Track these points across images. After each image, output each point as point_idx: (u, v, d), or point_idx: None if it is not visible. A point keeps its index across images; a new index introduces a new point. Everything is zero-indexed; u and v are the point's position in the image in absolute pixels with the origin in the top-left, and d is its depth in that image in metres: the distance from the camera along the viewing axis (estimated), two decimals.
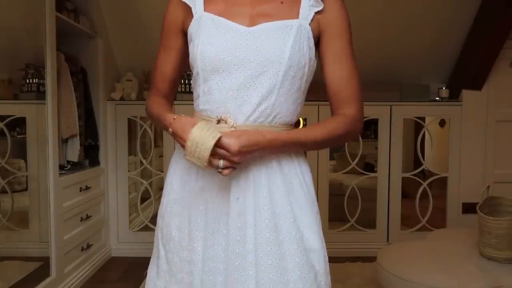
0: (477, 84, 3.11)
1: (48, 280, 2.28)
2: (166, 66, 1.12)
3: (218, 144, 0.89)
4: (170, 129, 0.97)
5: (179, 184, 1.06)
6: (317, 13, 1.01)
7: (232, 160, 0.91)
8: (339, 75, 1.02)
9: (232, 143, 0.89)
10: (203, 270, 0.99)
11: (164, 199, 1.10)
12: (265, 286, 0.94)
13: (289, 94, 0.99)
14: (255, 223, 0.96)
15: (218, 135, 0.89)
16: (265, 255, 0.95)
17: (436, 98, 3.22)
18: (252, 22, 0.99)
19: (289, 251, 0.96)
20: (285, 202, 0.98)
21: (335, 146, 1.03)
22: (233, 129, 0.96)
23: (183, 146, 0.93)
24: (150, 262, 1.13)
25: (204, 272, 0.98)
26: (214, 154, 0.90)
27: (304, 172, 1.04)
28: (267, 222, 0.96)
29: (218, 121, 0.99)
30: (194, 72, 1.03)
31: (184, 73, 3.13)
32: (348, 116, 1.02)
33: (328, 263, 1.03)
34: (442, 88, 3.18)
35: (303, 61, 0.99)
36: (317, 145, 1.02)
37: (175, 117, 0.98)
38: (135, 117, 3.18)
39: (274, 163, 1.00)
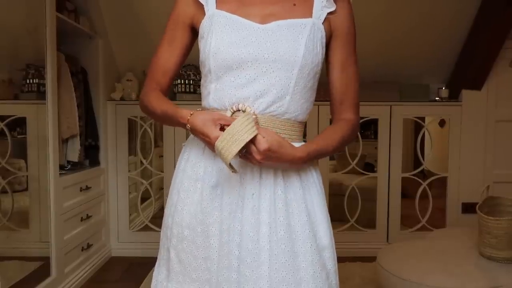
0: (477, 84, 3.11)
1: (48, 280, 2.28)
2: (170, 59, 1.10)
3: (251, 140, 0.91)
4: (188, 125, 0.97)
5: (191, 182, 1.04)
6: (329, 13, 1.03)
7: (254, 157, 0.92)
8: (343, 82, 1.07)
9: (263, 141, 0.90)
10: (219, 266, 0.98)
11: (174, 198, 1.07)
12: (277, 285, 0.94)
13: (303, 92, 1.01)
14: (270, 220, 0.96)
15: (255, 132, 0.90)
16: (279, 253, 0.95)
17: (436, 98, 3.22)
18: (264, 21, 0.99)
19: (302, 250, 0.97)
20: (299, 200, 0.99)
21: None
22: (254, 116, 0.96)
23: (206, 142, 0.95)
24: (156, 265, 1.11)
25: (220, 269, 0.98)
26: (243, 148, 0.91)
27: (316, 170, 1.07)
28: (282, 220, 0.97)
29: (233, 112, 0.98)
30: (206, 70, 1.02)
31: (184, 72, 3.13)
32: (350, 122, 1.07)
33: (336, 262, 1.04)
34: (442, 88, 3.18)
35: (317, 59, 1.00)
36: (332, 152, 1.08)
37: (192, 112, 0.98)
38: (135, 117, 3.19)
39: None
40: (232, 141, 0.89)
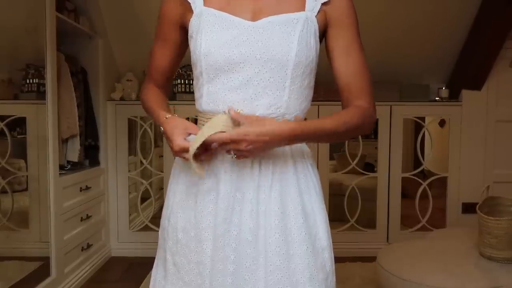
0: (477, 84, 3.11)
1: (48, 280, 2.28)
2: (163, 60, 1.10)
3: (214, 140, 0.88)
4: (161, 128, 0.98)
5: (186, 185, 1.03)
6: (323, 4, 0.98)
7: (240, 150, 0.88)
8: (349, 68, 1.00)
9: (224, 136, 0.87)
10: (212, 272, 0.96)
11: (170, 201, 1.06)
12: (273, 287, 0.93)
13: (300, 91, 0.98)
14: (265, 223, 0.95)
15: (205, 137, 0.87)
16: (274, 256, 0.94)
17: (436, 98, 3.21)
18: (255, 16, 0.95)
19: (298, 252, 0.95)
20: (296, 203, 0.97)
21: (346, 139, 1.01)
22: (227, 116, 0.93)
23: (170, 147, 0.94)
24: (154, 264, 1.11)
25: (213, 274, 0.96)
26: (224, 146, 0.89)
27: (314, 171, 1.06)
28: (277, 223, 0.95)
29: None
30: (197, 71, 0.99)
31: (184, 72, 3.12)
32: (361, 108, 0.99)
33: (334, 263, 1.03)
34: (442, 88, 3.18)
35: (311, 55, 0.97)
36: (329, 136, 0.99)
37: (167, 116, 0.97)
38: (135, 117, 3.19)
39: (289, 161, 0.99)
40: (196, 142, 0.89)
